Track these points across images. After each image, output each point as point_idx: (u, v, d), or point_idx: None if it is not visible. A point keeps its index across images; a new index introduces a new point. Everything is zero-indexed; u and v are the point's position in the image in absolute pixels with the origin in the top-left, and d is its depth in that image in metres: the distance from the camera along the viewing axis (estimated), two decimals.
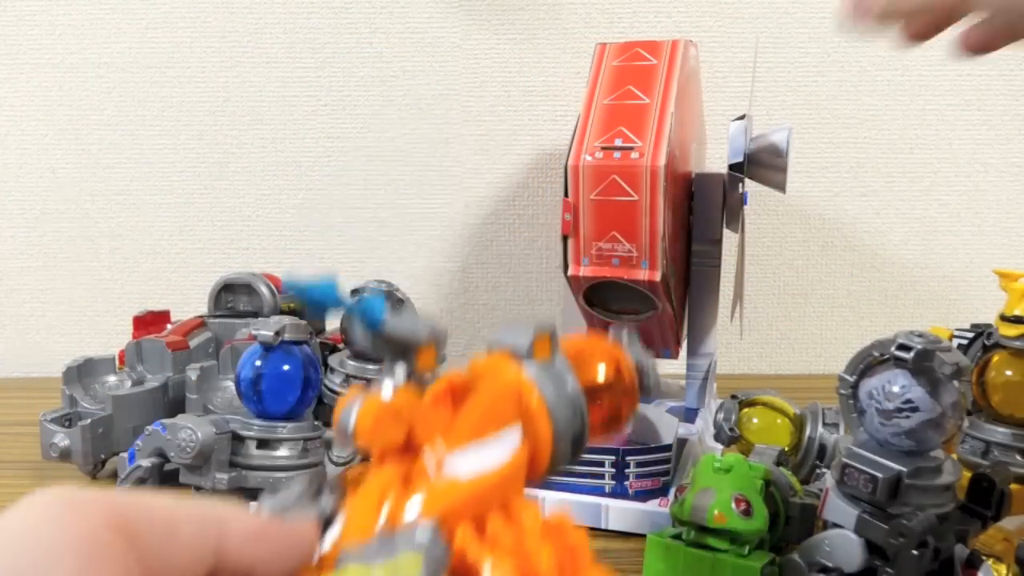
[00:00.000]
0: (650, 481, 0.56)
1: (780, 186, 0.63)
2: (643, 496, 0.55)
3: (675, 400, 0.72)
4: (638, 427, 0.65)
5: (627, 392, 0.34)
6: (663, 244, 0.59)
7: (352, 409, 0.26)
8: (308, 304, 0.30)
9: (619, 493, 0.55)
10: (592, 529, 0.55)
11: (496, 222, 0.97)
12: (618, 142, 0.60)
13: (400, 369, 0.28)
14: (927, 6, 0.47)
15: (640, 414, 0.67)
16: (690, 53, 0.67)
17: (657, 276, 0.59)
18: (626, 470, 0.55)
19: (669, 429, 0.62)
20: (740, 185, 0.67)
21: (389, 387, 0.28)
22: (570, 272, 0.61)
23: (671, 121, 0.60)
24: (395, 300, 0.31)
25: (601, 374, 0.33)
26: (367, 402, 0.26)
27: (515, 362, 0.29)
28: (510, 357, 0.30)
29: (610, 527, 0.55)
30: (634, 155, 0.59)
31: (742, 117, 0.65)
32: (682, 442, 0.63)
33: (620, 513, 0.55)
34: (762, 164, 0.63)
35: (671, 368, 0.84)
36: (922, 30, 0.48)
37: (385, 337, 0.29)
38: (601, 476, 0.56)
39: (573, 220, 0.61)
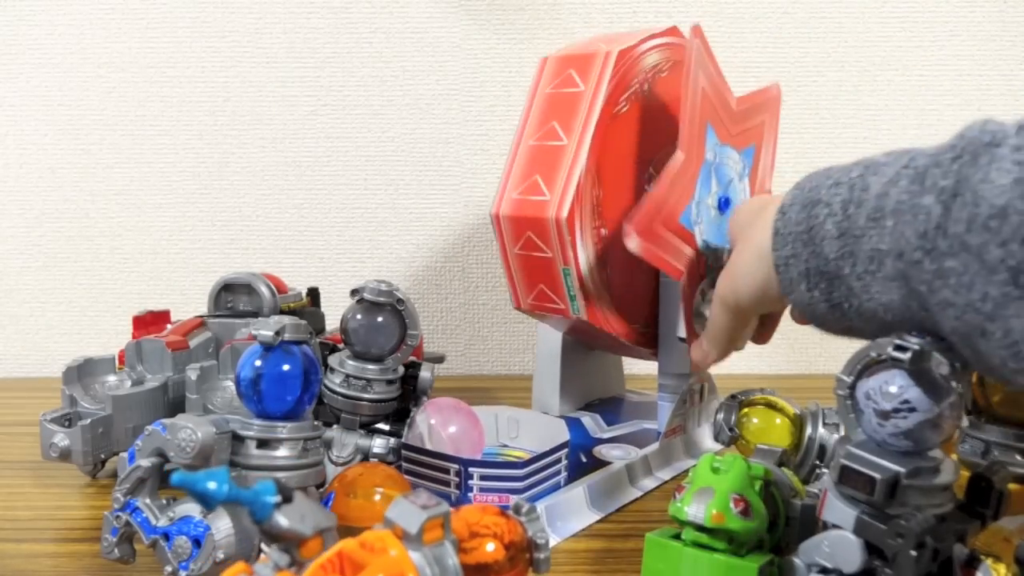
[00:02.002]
0: (497, 496, 0.54)
1: None
2: None
3: (652, 422, 0.70)
4: (543, 437, 0.63)
5: (518, 568, 0.37)
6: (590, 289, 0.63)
7: None
8: (194, 495, 0.32)
9: (463, 503, 0.53)
10: None
11: None
12: (533, 193, 0.63)
13: (283, 557, 0.32)
14: (729, 343, 0.54)
15: (522, 420, 0.67)
16: (692, 45, 0.67)
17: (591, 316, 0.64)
18: (470, 481, 0.54)
19: (552, 440, 0.59)
20: None
21: (270, 573, 0.31)
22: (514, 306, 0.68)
23: (582, 165, 0.61)
24: (286, 490, 0.33)
25: (492, 552, 0.36)
26: None
27: (403, 543, 0.33)
28: (401, 537, 0.33)
29: None
30: (547, 210, 0.62)
31: None
32: (602, 463, 0.62)
33: None
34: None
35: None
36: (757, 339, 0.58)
37: (270, 531, 0.32)
38: (447, 483, 0.55)
39: (506, 270, 0.67)
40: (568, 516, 0.56)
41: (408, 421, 0.65)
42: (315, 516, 0.33)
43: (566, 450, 0.59)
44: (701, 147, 0.61)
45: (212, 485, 0.32)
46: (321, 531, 0.33)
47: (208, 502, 0.33)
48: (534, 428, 0.65)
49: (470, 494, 0.54)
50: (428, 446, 0.58)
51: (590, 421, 0.71)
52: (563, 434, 0.61)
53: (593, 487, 0.58)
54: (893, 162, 0.37)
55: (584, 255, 0.62)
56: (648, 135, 0.66)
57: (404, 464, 0.58)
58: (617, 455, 0.64)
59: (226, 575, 0.31)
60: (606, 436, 0.68)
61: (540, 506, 0.54)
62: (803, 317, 0.43)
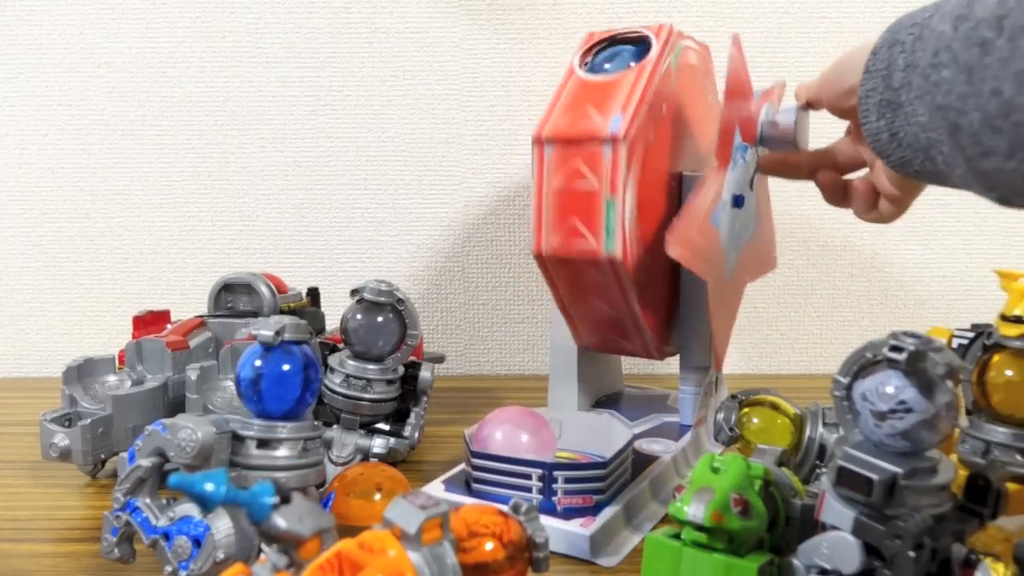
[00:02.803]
0: (580, 498, 0.54)
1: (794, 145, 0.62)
2: (571, 514, 0.53)
3: (666, 414, 0.71)
4: (589, 436, 0.64)
5: (517, 567, 0.38)
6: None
7: None
8: (192, 497, 0.33)
9: (546, 509, 0.53)
10: None
11: (496, 222, 0.97)
12: (584, 118, 0.61)
13: (281, 558, 0.32)
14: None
15: (589, 422, 0.66)
16: (688, 56, 0.67)
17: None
18: (554, 485, 0.54)
19: (618, 441, 0.60)
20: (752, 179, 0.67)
21: (268, 573, 0.32)
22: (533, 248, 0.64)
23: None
24: (284, 491, 0.33)
25: (491, 551, 0.37)
26: None
27: (402, 543, 0.34)
28: (400, 537, 0.34)
29: None
30: (604, 128, 0.60)
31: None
32: (649, 459, 0.62)
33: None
34: (774, 141, 0.62)
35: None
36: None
37: (268, 532, 0.33)
38: (528, 489, 0.54)
39: (535, 210, 0.63)
40: (641, 512, 0.57)
41: (410, 422, 0.65)
42: (313, 517, 0.33)
43: (632, 447, 0.59)
44: (730, 151, 0.62)
45: (210, 487, 0.32)
46: (319, 532, 0.33)
47: (206, 504, 0.33)
48: (576, 427, 0.65)
49: (554, 498, 0.54)
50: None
51: (611, 418, 0.71)
52: (618, 432, 0.61)
53: (655, 481, 0.60)
54: (956, 3, 0.42)
55: (630, 195, 0.60)
56: (669, 156, 0.65)
57: (473, 474, 0.56)
58: (659, 448, 0.64)
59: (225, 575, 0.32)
60: (638, 431, 0.68)
61: (619, 505, 0.55)
62: (872, 150, 0.47)
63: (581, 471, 0.54)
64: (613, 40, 0.66)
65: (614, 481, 0.56)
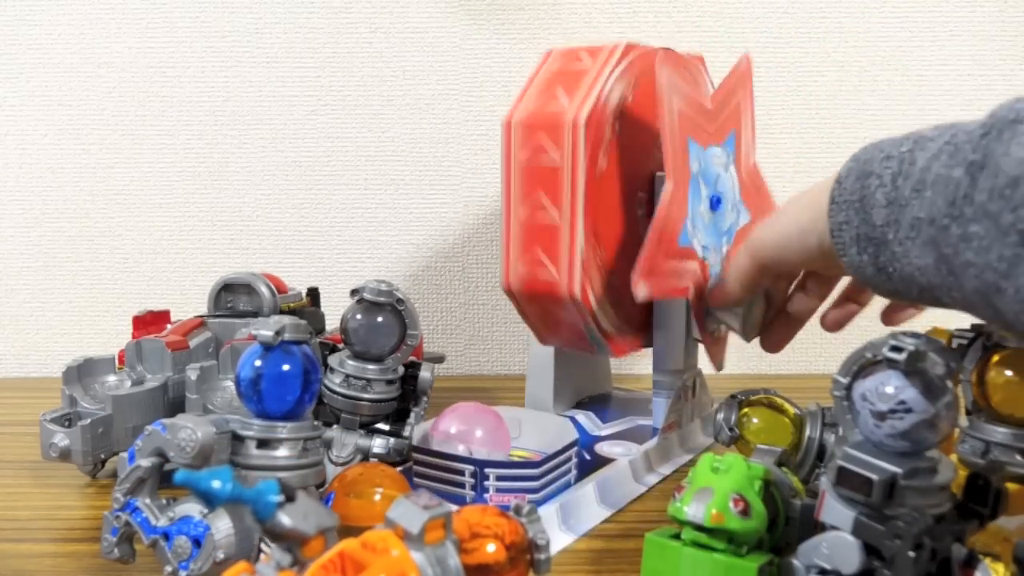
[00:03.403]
0: (513, 496, 0.53)
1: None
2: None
3: (645, 417, 0.70)
4: (546, 436, 0.64)
5: (518, 569, 0.38)
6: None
7: None
8: (197, 494, 0.33)
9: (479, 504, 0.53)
10: None
11: (496, 222, 0.97)
12: (539, 267, 0.64)
13: (285, 556, 0.33)
14: (743, 294, 0.57)
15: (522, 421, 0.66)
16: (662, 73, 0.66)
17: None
18: (486, 482, 0.54)
19: (557, 438, 0.60)
20: None
21: (272, 572, 0.32)
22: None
23: (581, 243, 0.62)
24: (289, 489, 0.33)
25: (493, 553, 0.37)
26: None
27: (405, 543, 0.34)
28: (403, 537, 0.34)
29: None
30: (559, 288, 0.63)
31: None
32: (606, 461, 0.62)
33: None
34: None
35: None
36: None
37: (273, 530, 0.33)
38: (462, 485, 0.54)
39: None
40: (580, 514, 0.56)
41: (409, 422, 0.65)
42: (318, 515, 0.33)
43: (575, 448, 0.59)
44: (686, 166, 0.62)
45: (216, 484, 0.32)
46: (323, 530, 0.33)
47: (211, 501, 0.33)
48: (536, 427, 0.65)
49: (486, 495, 0.54)
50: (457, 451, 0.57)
51: (585, 419, 0.71)
52: (569, 432, 0.61)
53: (602, 484, 0.59)
54: (938, 137, 0.40)
55: (595, 303, 0.64)
56: (631, 167, 0.65)
57: (415, 468, 0.57)
58: (619, 452, 0.64)
59: (228, 574, 0.32)
60: (604, 433, 0.68)
61: (555, 505, 0.54)
62: (856, 280, 0.46)
63: (514, 469, 0.54)
64: None
65: (550, 481, 0.56)
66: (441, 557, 0.34)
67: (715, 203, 0.65)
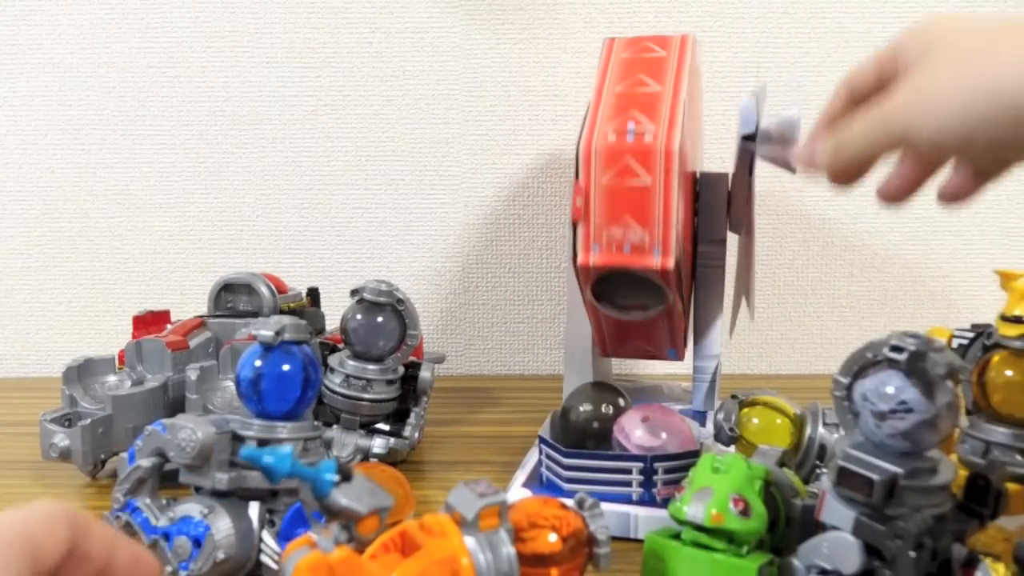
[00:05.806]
0: (677, 488, 0.53)
1: (789, 165, 0.60)
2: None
3: (681, 403, 0.71)
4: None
5: (576, 562, 0.38)
6: (677, 230, 0.57)
7: (292, 560, 0.32)
8: (259, 469, 0.35)
9: (647, 501, 0.54)
10: (621, 539, 0.53)
11: (496, 222, 0.97)
12: (631, 126, 0.58)
13: (342, 533, 0.34)
14: (868, 151, 0.45)
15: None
16: (695, 50, 0.67)
17: (670, 264, 0.56)
18: (654, 477, 0.54)
19: (694, 433, 0.60)
20: (749, 164, 0.65)
21: (330, 545, 0.33)
22: (579, 261, 0.58)
23: (683, 109, 0.59)
24: (346, 469, 0.35)
25: (550, 543, 0.37)
26: (306, 557, 0.32)
27: (460, 528, 0.35)
28: (458, 522, 0.35)
29: (640, 536, 0.53)
30: (647, 138, 0.57)
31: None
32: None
33: (649, 522, 0.52)
34: (773, 140, 0.60)
35: (672, 369, 0.84)
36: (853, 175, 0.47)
37: (329, 507, 0.34)
38: (628, 484, 0.54)
39: (584, 205, 0.58)
40: None
41: (410, 422, 0.64)
42: (372, 496, 0.35)
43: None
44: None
45: (276, 460, 0.35)
46: (378, 510, 0.35)
47: (272, 476, 0.35)
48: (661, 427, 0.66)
49: (654, 490, 0.54)
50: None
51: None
52: (696, 428, 0.62)
53: None
54: None
55: (676, 196, 0.58)
56: (693, 123, 0.65)
57: (564, 473, 0.56)
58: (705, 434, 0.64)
59: (291, 546, 0.34)
60: None
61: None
62: None
63: (678, 460, 0.55)
64: None
65: None
66: (494, 543, 0.35)
67: None
